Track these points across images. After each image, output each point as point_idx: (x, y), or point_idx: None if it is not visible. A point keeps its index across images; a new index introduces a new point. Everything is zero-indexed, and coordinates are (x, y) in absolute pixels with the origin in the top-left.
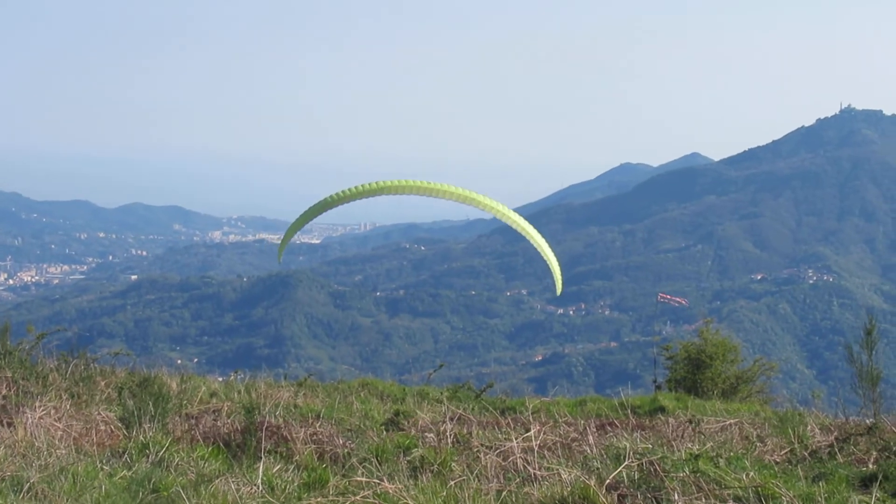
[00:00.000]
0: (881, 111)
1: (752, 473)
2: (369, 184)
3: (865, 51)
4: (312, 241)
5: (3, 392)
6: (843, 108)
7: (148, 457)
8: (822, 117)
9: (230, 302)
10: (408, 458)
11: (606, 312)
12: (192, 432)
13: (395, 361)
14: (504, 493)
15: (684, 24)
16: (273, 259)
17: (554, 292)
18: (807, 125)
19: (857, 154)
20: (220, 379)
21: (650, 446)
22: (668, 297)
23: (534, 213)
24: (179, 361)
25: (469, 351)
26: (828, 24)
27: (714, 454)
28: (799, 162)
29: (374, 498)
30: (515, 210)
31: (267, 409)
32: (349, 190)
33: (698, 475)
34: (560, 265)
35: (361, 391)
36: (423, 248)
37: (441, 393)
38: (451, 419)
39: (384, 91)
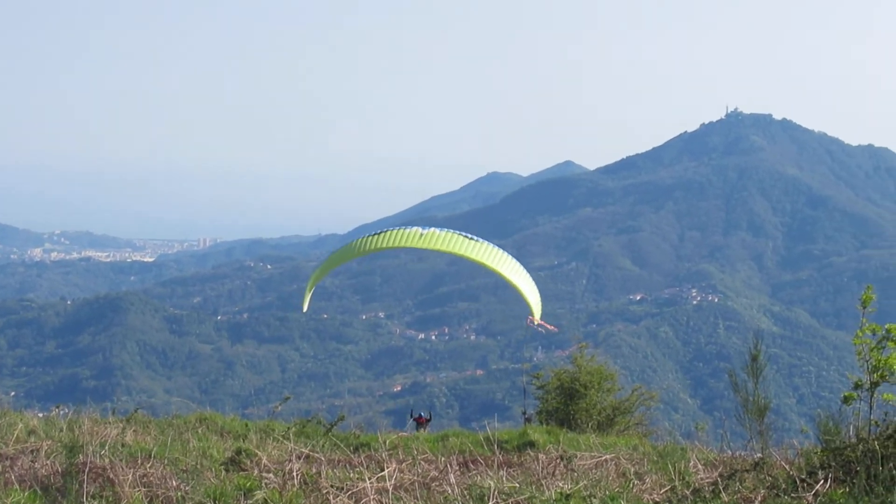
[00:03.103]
0: (770, 115)
1: None
2: (399, 234)
3: (754, 50)
4: (145, 260)
5: None
6: (729, 111)
7: None
8: (707, 122)
9: (52, 328)
10: (249, 502)
11: (472, 337)
12: (6, 475)
13: (238, 393)
14: None
15: (550, 18)
16: (102, 281)
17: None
18: (690, 130)
19: (745, 162)
20: (41, 415)
21: (517, 485)
22: (539, 320)
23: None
24: None
25: (320, 381)
26: (713, 22)
27: (587, 493)
28: (681, 171)
29: None
30: (372, 223)
31: (91, 448)
32: (374, 240)
33: None
34: (421, 285)
35: (199, 427)
36: (269, 266)
37: (288, 428)
38: (298, 458)
39: (226, 98)
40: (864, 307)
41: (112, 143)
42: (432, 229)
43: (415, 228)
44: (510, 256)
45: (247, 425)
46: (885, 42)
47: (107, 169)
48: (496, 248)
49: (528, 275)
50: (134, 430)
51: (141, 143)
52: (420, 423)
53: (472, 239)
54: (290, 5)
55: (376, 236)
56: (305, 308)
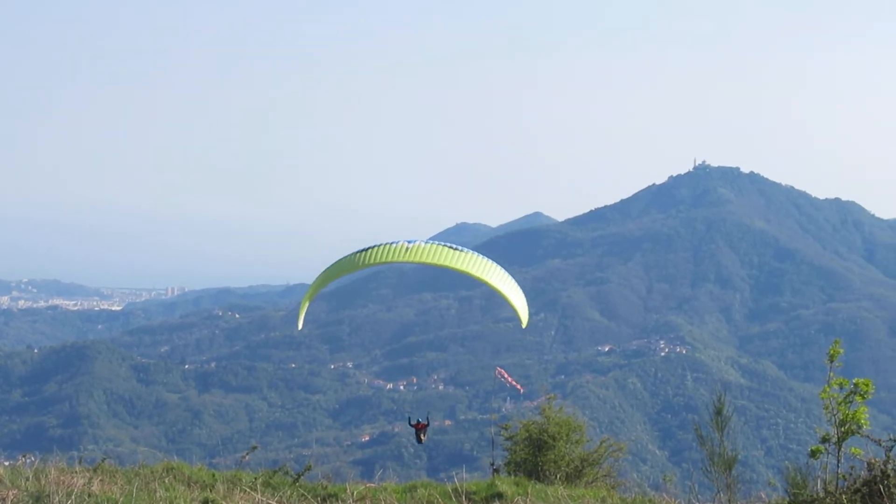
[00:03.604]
0: (738, 168)
1: None
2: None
3: (721, 103)
4: (113, 308)
5: None
6: (696, 164)
7: None
8: (675, 174)
9: (19, 376)
10: None
11: (440, 387)
12: None
13: (206, 442)
14: None
15: (518, 70)
16: (69, 329)
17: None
18: (658, 183)
19: (712, 214)
20: (7, 463)
21: None
22: (507, 374)
23: (361, 278)
24: None
25: (288, 430)
26: (680, 75)
27: None
28: (650, 223)
29: None
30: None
31: (58, 498)
32: (363, 257)
33: None
34: (389, 335)
35: (166, 477)
36: (237, 315)
37: (255, 479)
38: None
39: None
40: (832, 361)
41: (81, 192)
42: (418, 242)
43: (401, 243)
44: (496, 265)
45: (214, 475)
46: (853, 98)
47: (75, 217)
48: (482, 257)
49: (515, 283)
50: (101, 480)
51: (109, 191)
52: (419, 428)
53: (457, 249)
54: (259, 54)
55: (364, 253)
56: (300, 326)
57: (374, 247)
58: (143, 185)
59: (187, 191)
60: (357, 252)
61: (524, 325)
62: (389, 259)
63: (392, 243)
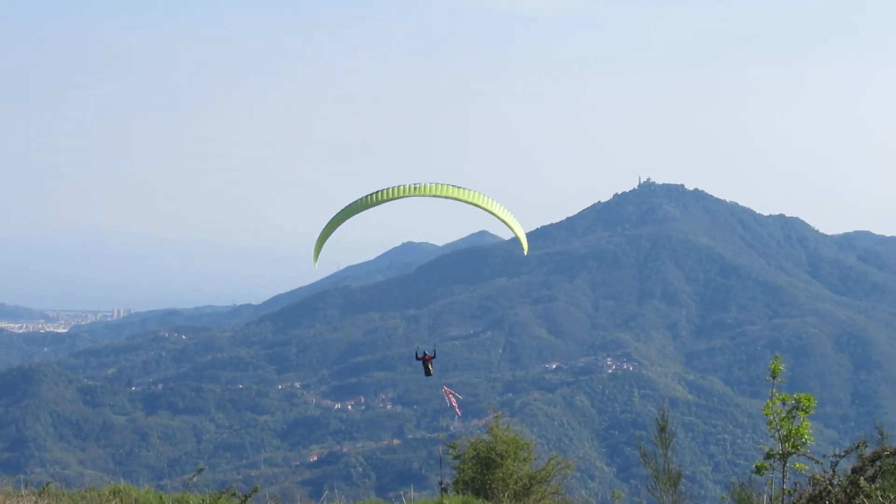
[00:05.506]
0: (682, 185)
1: None
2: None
3: (665, 121)
4: (59, 331)
5: None
6: (641, 182)
7: None
8: (620, 192)
9: None
10: None
11: (388, 407)
12: None
13: (153, 464)
14: None
15: (465, 91)
16: (14, 352)
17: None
18: (603, 200)
19: (657, 232)
20: None
21: None
22: (451, 393)
23: (308, 298)
24: None
25: (236, 451)
26: (625, 92)
27: None
28: (595, 240)
29: None
30: (287, 293)
31: None
32: (376, 196)
33: None
34: (337, 354)
35: (113, 499)
36: (183, 336)
37: (202, 500)
38: None
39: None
40: (774, 377)
41: (25, 213)
42: (424, 182)
43: (409, 184)
44: (494, 200)
45: (161, 498)
46: (796, 115)
47: (19, 238)
48: (482, 193)
49: (514, 215)
50: (47, 503)
51: (55, 212)
52: (426, 360)
53: (460, 187)
54: (198, 76)
55: (374, 194)
56: (316, 264)
57: (382, 190)
58: (89, 206)
59: (132, 213)
60: (367, 195)
61: (526, 253)
62: (399, 195)
63: (399, 186)
